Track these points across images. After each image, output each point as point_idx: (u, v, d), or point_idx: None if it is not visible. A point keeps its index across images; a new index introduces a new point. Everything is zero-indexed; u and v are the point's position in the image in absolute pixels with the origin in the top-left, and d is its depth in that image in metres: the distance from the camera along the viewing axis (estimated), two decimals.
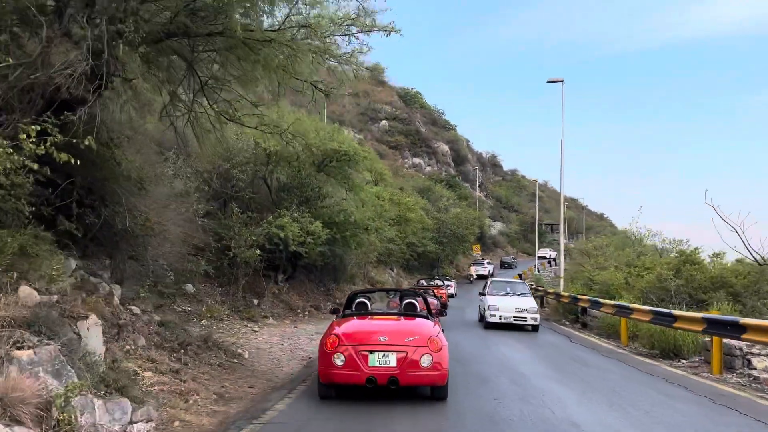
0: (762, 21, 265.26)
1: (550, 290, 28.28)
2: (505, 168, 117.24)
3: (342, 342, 6.92)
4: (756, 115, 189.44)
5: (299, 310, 19.17)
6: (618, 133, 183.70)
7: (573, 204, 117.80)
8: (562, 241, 31.28)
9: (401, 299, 9.26)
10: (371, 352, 6.83)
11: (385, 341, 6.92)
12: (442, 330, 7.77)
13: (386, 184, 35.51)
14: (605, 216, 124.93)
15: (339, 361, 6.81)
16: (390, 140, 77.94)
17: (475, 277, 49.08)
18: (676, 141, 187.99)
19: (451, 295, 33.27)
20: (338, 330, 7.23)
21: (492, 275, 46.13)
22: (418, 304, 8.82)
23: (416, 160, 79.22)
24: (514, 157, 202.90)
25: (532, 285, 30.01)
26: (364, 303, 8.71)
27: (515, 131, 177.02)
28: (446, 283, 34.65)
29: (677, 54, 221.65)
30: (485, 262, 55.01)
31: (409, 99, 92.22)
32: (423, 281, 33.29)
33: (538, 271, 51.25)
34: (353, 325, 7.53)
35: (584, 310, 19.86)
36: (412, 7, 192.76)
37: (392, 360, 6.78)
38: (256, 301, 17.58)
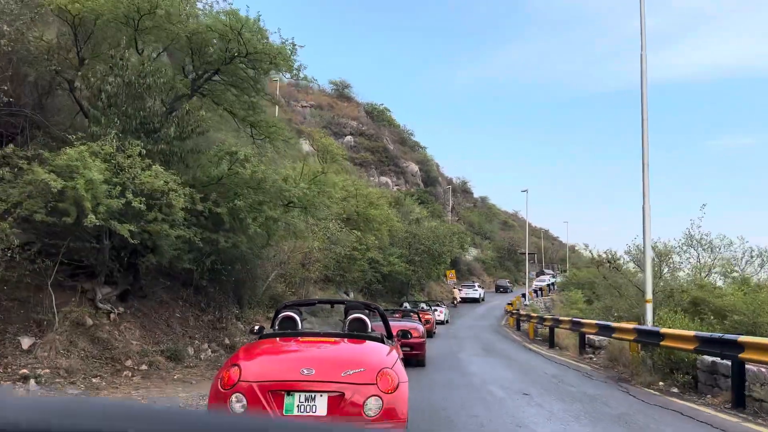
0: (720, 66, 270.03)
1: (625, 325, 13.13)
2: (476, 195, 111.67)
3: (244, 377, 4.46)
4: (716, 158, 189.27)
5: (131, 363, 9.36)
6: (589, 169, 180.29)
7: (545, 235, 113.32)
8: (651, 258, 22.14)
9: (346, 314, 6.33)
10: (288, 392, 4.43)
11: (311, 376, 4.47)
12: (402, 359, 5.44)
13: (340, 172, 26.09)
14: (576, 248, 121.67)
15: (238, 405, 4.40)
16: (355, 157, 70.16)
17: (459, 300, 44.38)
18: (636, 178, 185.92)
19: (441, 322, 28.58)
20: (242, 358, 4.83)
21: (483, 299, 44.12)
22: (369, 322, 5.88)
23: (383, 179, 71.40)
24: (483, 186, 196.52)
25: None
26: (292, 319, 5.82)
27: (485, 162, 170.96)
28: (434, 308, 28.30)
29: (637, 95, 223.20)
30: (476, 284, 51.16)
31: (377, 115, 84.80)
32: (407, 305, 26.27)
33: (528, 298, 42.32)
34: (268, 350, 5.14)
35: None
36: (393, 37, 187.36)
37: (320, 405, 4.42)
38: (26, 342, 7.90)
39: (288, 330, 5.72)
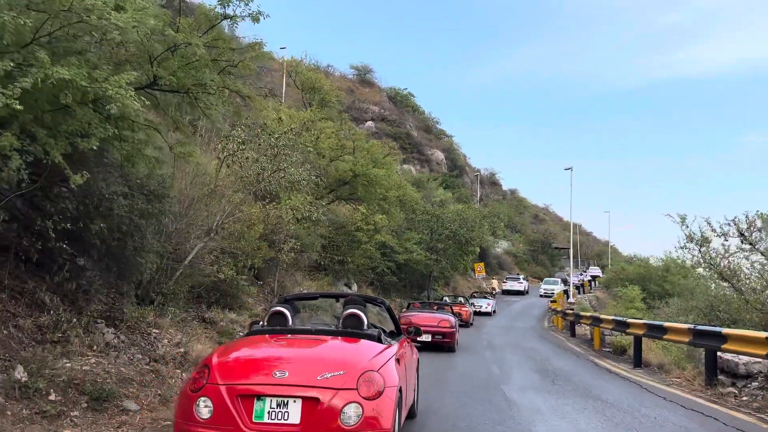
0: (748, 64, 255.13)
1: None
2: (505, 187, 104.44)
3: (212, 378, 3.97)
4: (745, 154, 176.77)
5: None
6: (615, 166, 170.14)
7: (578, 230, 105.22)
8: None
9: (344, 308, 5.46)
10: (258, 397, 3.88)
11: (284, 379, 3.93)
12: (398, 359, 4.80)
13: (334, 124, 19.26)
14: (611, 244, 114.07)
15: (205, 410, 3.89)
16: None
17: (498, 291, 45.40)
18: (672, 175, 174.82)
19: (487, 313, 31.20)
20: (214, 358, 4.25)
21: (527, 292, 46.31)
22: (365, 318, 5.15)
23: (406, 167, 64.86)
24: (512, 179, 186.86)
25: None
26: (281, 314, 5.16)
27: (514, 154, 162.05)
28: (476, 301, 30.99)
29: (670, 90, 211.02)
30: (521, 277, 51.94)
31: (400, 100, 78.26)
32: (446, 298, 26.67)
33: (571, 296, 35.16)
34: (244, 349, 4.54)
35: None
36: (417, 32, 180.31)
37: (293, 412, 3.85)
38: None
39: (276, 326, 5.07)
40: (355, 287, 21.43)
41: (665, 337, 11.08)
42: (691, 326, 10.15)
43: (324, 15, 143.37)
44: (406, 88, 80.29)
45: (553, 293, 42.91)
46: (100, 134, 4.72)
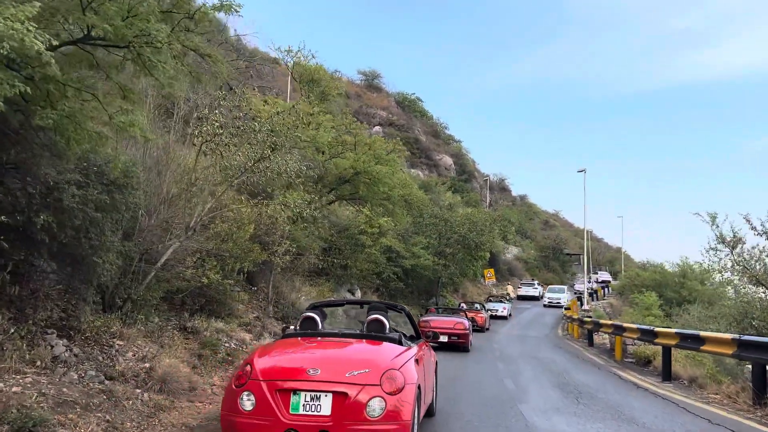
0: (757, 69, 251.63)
1: None
2: (514, 193, 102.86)
3: (254, 374, 4.52)
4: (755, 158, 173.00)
5: None
6: (626, 170, 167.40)
7: (590, 236, 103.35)
8: None
9: (368, 314, 5.95)
10: (295, 391, 4.40)
11: (317, 376, 4.45)
12: (417, 360, 5.29)
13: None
14: (623, 249, 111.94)
15: (248, 403, 4.41)
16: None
17: (514, 297, 45.33)
18: (685, 178, 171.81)
19: (503, 317, 32.12)
20: (255, 357, 4.81)
21: (542, 297, 45.58)
22: (388, 322, 5.74)
23: (414, 171, 63.74)
24: (522, 186, 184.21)
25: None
26: (311, 320, 5.83)
27: (523, 160, 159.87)
28: (491, 306, 31.74)
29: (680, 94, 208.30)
30: (535, 282, 51.68)
31: (408, 105, 77.24)
32: (463, 305, 26.75)
33: (584, 302, 33.72)
34: (281, 350, 5.08)
35: None
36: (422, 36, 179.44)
37: (325, 405, 4.35)
38: None
39: (308, 330, 5.73)
40: (358, 293, 20.21)
41: (703, 348, 9.76)
42: (736, 336, 8.83)
43: (330, 19, 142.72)
44: (414, 93, 79.28)
45: (559, 302, 41.24)
46: (4, 92, 3.60)
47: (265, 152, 8.01)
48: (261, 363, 4.64)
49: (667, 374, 11.46)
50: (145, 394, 6.48)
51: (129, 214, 7.26)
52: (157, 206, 8.29)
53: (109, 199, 6.69)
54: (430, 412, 6.58)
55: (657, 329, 11.75)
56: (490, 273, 44.39)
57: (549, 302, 43.02)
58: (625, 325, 14.10)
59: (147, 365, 7.05)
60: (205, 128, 7.51)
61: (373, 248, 19.66)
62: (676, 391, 10.16)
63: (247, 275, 13.16)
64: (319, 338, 5.50)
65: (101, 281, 7.26)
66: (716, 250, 15.52)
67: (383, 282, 23.78)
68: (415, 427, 4.66)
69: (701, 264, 40.95)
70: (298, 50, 25.92)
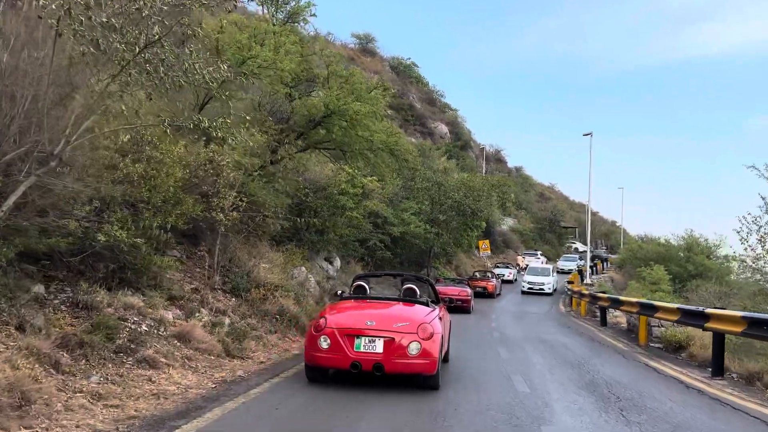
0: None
1: None
2: (510, 165, 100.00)
3: (328, 325, 6.65)
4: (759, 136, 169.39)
5: None
6: (622, 144, 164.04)
7: (583, 209, 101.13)
8: None
9: (402, 284, 8.70)
10: (357, 336, 6.54)
11: (373, 326, 6.64)
12: (440, 318, 7.49)
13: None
14: (617, 223, 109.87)
15: (324, 343, 6.55)
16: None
17: (524, 267, 42.78)
18: (686, 155, 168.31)
19: (509, 281, 35.68)
20: (327, 312, 7.06)
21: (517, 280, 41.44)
22: (419, 290, 8.16)
23: (409, 139, 60.67)
24: (518, 156, 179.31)
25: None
26: (362, 287, 8.17)
27: (519, 132, 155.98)
28: (498, 271, 34.64)
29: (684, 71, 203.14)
30: (538, 253, 51.67)
31: (403, 70, 73.64)
32: (477, 273, 29.59)
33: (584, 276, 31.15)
34: (344, 308, 7.38)
35: None
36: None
37: (378, 346, 6.48)
38: None
39: (359, 294, 8.02)
40: (338, 262, 17.46)
41: None
42: None
43: None
44: (409, 58, 75.43)
45: (542, 288, 30.95)
46: None
47: (153, 35, 5.15)
48: (332, 317, 6.80)
49: (718, 368, 8.84)
50: None
51: None
52: (7, 119, 5.43)
53: None
54: (445, 359, 8.22)
55: (709, 311, 9.06)
56: (485, 244, 41.84)
57: (530, 288, 30.58)
58: (657, 304, 11.44)
59: None
60: None
61: (355, 212, 16.86)
62: (742, 395, 7.53)
63: (188, 236, 10.38)
64: (368, 300, 7.80)
65: None
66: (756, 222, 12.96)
67: (368, 250, 21.08)
68: (439, 362, 6.74)
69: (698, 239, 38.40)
70: None
